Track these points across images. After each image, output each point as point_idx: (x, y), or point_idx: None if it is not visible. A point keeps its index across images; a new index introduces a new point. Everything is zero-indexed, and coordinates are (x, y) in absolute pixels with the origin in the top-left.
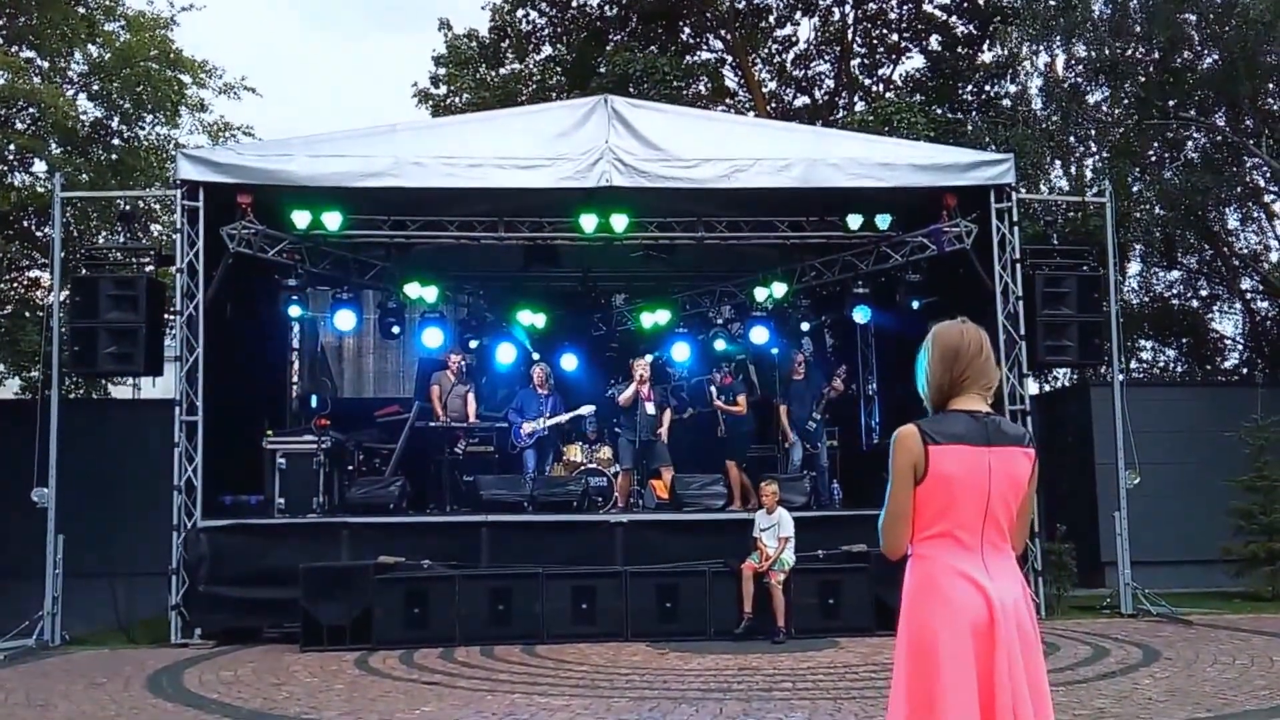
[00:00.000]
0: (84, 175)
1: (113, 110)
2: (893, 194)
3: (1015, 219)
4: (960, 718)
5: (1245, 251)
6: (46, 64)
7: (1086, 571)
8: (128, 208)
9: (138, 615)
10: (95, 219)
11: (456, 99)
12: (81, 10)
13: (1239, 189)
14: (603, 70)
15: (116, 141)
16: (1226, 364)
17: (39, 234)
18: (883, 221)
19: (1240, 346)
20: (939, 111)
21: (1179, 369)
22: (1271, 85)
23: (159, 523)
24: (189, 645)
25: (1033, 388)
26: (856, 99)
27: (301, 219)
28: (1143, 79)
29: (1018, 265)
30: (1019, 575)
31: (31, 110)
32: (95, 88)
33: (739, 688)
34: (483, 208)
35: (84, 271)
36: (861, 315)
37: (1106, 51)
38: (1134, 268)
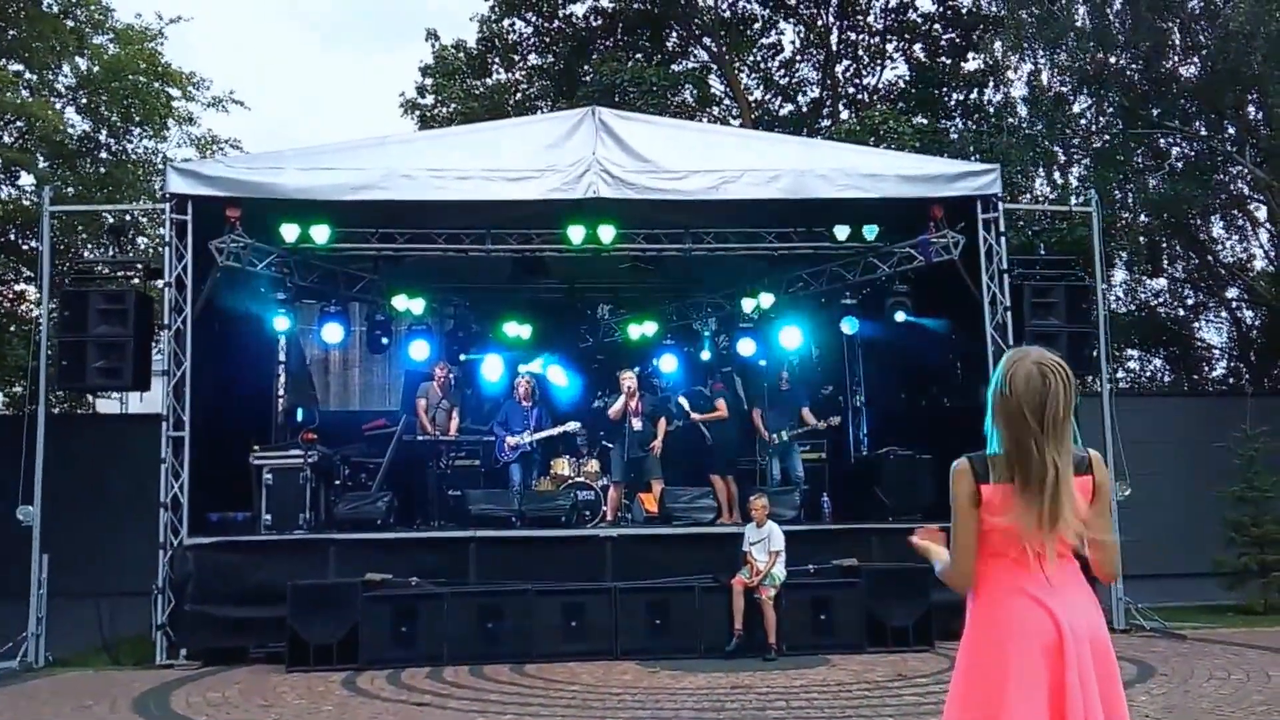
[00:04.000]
0: (71, 189)
1: (101, 124)
2: (880, 205)
3: (1002, 229)
4: None
5: (1230, 260)
6: (35, 77)
7: None
8: (115, 222)
9: (122, 635)
10: (82, 232)
11: (443, 109)
12: (70, 24)
13: (1223, 197)
14: (589, 80)
15: (104, 155)
16: (1214, 373)
17: (25, 247)
18: (870, 232)
19: (1226, 356)
20: (924, 121)
21: (1166, 378)
22: (1254, 95)
23: (144, 541)
24: (174, 666)
25: None
26: (841, 107)
27: (290, 232)
28: (1126, 88)
29: (1005, 276)
30: (1090, 594)
31: (19, 123)
32: (84, 101)
33: (732, 706)
34: (471, 220)
35: (69, 285)
36: (849, 326)
37: (1089, 60)
38: (1119, 276)
